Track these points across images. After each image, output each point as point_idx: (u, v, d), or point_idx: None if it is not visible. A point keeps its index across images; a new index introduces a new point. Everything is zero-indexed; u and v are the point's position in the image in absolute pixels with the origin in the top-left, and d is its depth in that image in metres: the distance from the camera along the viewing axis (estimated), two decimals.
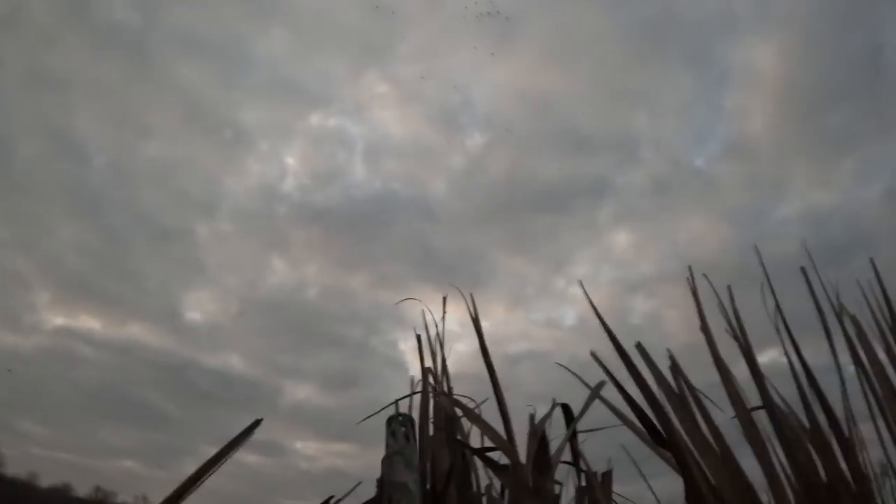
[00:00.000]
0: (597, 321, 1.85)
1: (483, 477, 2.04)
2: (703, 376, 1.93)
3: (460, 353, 2.27)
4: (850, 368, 1.98)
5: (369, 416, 2.05)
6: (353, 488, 1.85)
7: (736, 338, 1.95)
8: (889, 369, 1.97)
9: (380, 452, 1.86)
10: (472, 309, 2.19)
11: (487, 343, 2.16)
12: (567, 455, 2.03)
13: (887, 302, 2.08)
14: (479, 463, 2.05)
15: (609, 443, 2.18)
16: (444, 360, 2.12)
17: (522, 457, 1.91)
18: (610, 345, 1.82)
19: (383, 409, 2.05)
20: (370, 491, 1.90)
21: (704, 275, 1.99)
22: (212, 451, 1.76)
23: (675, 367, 1.82)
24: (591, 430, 2.10)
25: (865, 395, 1.97)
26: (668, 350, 1.84)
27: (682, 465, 1.63)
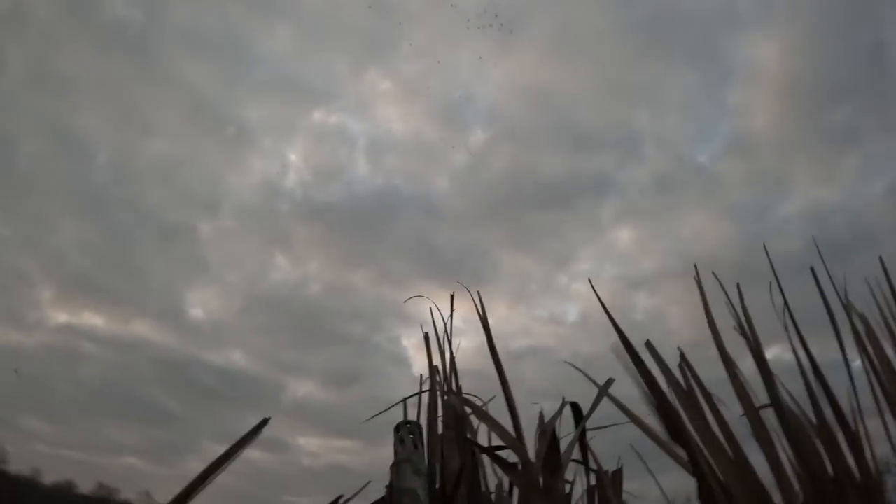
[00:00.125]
0: (599, 318, 1.85)
1: (491, 476, 2.04)
2: (706, 373, 1.93)
3: (463, 349, 2.27)
4: (854, 364, 1.99)
5: (377, 415, 2.05)
6: (363, 488, 1.85)
7: (745, 335, 1.94)
8: None
9: (383, 449, 1.87)
10: (479, 307, 2.19)
11: (486, 338, 2.16)
12: (575, 453, 2.03)
13: None
14: (485, 462, 2.05)
15: (613, 440, 2.18)
16: (452, 359, 2.12)
17: (532, 455, 1.91)
18: (614, 341, 1.82)
19: (391, 407, 2.05)
20: (378, 489, 1.90)
21: (713, 273, 1.98)
22: (215, 447, 1.77)
23: (685, 365, 1.82)
24: (600, 428, 2.10)
25: (873, 391, 1.97)
26: (679, 348, 1.84)
27: (695, 464, 1.62)
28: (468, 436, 1.99)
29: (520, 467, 1.90)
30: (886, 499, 1.77)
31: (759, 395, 1.89)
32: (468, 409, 2.02)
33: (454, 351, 2.14)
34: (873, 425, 1.91)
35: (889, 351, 2.06)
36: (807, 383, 1.90)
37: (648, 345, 1.82)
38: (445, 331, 2.18)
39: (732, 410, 1.87)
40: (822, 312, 2.01)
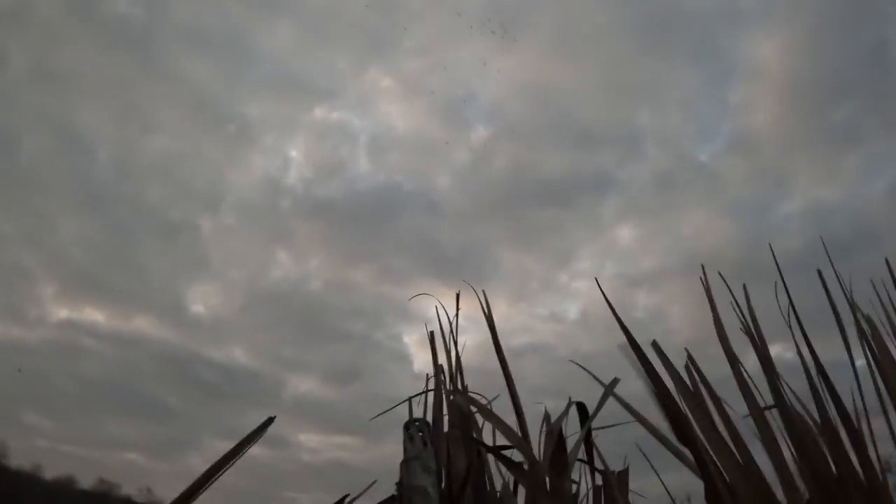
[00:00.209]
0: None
1: (496, 475, 2.04)
2: (707, 372, 1.93)
3: (465, 347, 2.26)
4: (857, 364, 1.99)
5: (383, 413, 2.05)
6: (369, 486, 1.86)
7: (750, 335, 1.94)
8: None
9: (383, 446, 1.87)
10: (485, 306, 2.19)
11: (488, 336, 2.16)
12: (581, 453, 2.03)
13: None
14: (490, 461, 2.05)
15: (616, 438, 2.18)
16: (458, 357, 2.12)
17: (538, 455, 1.91)
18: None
19: (397, 405, 2.05)
20: (382, 488, 1.90)
21: (720, 273, 1.98)
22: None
23: (692, 365, 1.82)
24: (605, 427, 2.11)
25: (878, 391, 1.97)
26: (687, 349, 1.84)
27: (701, 465, 1.62)
28: (474, 435, 1.99)
29: (526, 467, 1.90)
30: (891, 498, 1.77)
31: (760, 393, 1.90)
32: (474, 409, 2.02)
33: (459, 350, 2.14)
34: (877, 424, 1.91)
35: (893, 350, 2.06)
36: (811, 382, 1.90)
37: (655, 345, 1.82)
38: (451, 329, 2.18)
39: (736, 410, 1.87)
40: (823, 311, 2.01)
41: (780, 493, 1.74)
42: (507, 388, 2.11)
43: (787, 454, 1.80)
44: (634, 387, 2.11)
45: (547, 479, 1.84)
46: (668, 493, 1.98)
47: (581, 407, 2.11)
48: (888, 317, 2.13)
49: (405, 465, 1.84)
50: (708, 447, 1.69)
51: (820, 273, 1.95)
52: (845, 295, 2.05)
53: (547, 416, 2.06)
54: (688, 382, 1.81)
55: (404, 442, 1.89)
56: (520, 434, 1.96)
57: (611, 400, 2.09)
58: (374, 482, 1.87)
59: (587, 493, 2.02)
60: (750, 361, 1.99)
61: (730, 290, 2.04)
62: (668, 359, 1.81)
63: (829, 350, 1.99)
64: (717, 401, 1.78)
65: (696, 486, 1.89)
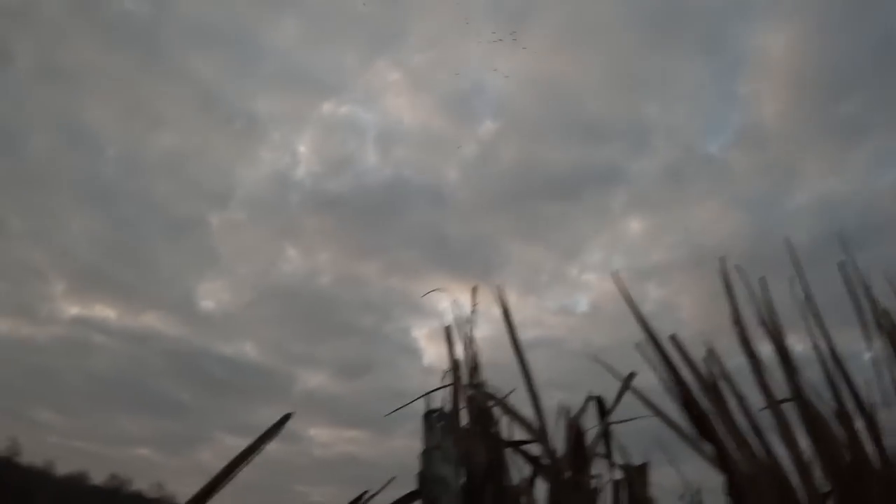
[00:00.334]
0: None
1: (514, 471, 2.03)
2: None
3: (477, 342, 2.26)
4: (870, 355, 1.99)
5: (400, 408, 2.06)
6: (389, 482, 1.86)
7: (767, 328, 1.94)
8: None
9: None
10: (501, 302, 2.19)
11: (501, 330, 2.16)
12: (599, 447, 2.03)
13: None
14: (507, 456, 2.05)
15: (630, 431, 2.18)
16: (475, 353, 2.12)
17: (558, 450, 1.92)
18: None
19: (414, 400, 2.05)
20: (400, 483, 1.90)
21: (738, 266, 1.97)
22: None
23: (712, 360, 1.82)
24: (623, 421, 2.10)
25: (894, 381, 1.97)
26: (706, 343, 1.84)
27: (722, 459, 1.62)
28: (494, 430, 1.99)
29: (547, 462, 1.90)
30: None
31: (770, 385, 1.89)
32: (493, 404, 2.02)
33: (475, 345, 2.13)
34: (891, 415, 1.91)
35: None
36: (827, 373, 1.90)
37: (673, 339, 1.81)
38: (466, 324, 2.17)
39: (751, 402, 1.87)
40: (832, 303, 2.01)
41: (797, 485, 1.74)
42: (520, 383, 2.11)
43: (804, 446, 1.80)
44: (645, 380, 2.12)
45: (568, 474, 1.85)
46: (687, 486, 1.98)
47: (599, 401, 2.11)
48: None
49: (425, 455, 1.84)
50: (728, 441, 1.69)
51: (842, 265, 1.94)
52: (862, 287, 2.04)
53: (564, 410, 2.06)
54: (707, 376, 1.80)
55: (424, 432, 1.89)
56: (540, 430, 1.96)
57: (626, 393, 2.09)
58: (393, 478, 1.87)
59: (607, 487, 2.01)
60: (761, 353, 1.99)
61: (748, 285, 2.03)
62: (687, 353, 1.80)
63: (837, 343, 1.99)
64: (738, 394, 1.78)
65: (706, 477, 1.90)
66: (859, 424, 1.83)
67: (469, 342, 2.12)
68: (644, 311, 1.94)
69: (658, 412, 1.88)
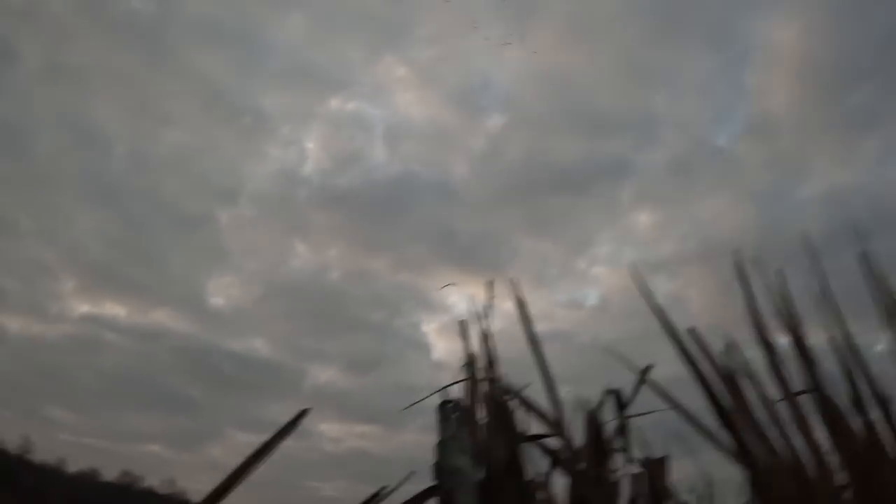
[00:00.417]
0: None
1: (530, 465, 2.03)
2: None
3: (487, 337, 2.25)
4: (882, 347, 1.98)
5: (416, 403, 2.05)
6: (407, 477, 1.86)
7: (785, 321, 1.93)
8: None
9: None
10: (516, 294, 2.18)
11: (512, 325, 2.16)
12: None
13: None
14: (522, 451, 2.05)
15: (644, 426, 2.17)
16: (492, 347, 2.11)
17: (577, 444, 1.92)
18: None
19: (430, 395, 2.05)
20: (419, 479, 1.90)
21: (757, 259, 1.96)
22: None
23: (731, 350, 1.81)
24: (641, 414, 2.10)
25: None
26: (727, 337, 1.83)
27: (745, 453, 1.62)
28: (513, 424, 1.99)
29: (566, 456, 1.90)
30: None
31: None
32: (511, 397, 2.02)
33: (492, 339, 2.13)
34: None
35: None
36: (843, 364, 1.89)
37: (692, 332, 1.81)
38: (483, 318, 2.17)
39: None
40: (842, 294, 1.99)
41: (816, 477, 1.73)
42: (533, 378, 2.11)
43: (821, 439, 1.79)
44: (658, 373, 2.11)
45: (588, 467, 1.85)
46: (706, 480, 1.98)
47: (616, 394, 2.10)
48: None
49: (440, 445, 1.84)
50: (749, 434, 1.68)
51: (863, 256, 1.92)
52: (877, 278, 2.03)
53: (582, 403, 2.06)
54: (727, 369, 1.80)
55: (438, 423, 1.89)
56: (559, 423, 1.96)
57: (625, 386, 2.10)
58: (412, 472, 1.87)
59: (627, 481, 2.01)
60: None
61: (761, 275, 2.02)
62: (706, 346, 1.80)
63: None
64: (758, 387, 1.77)
65: (721, 470, 1.90)
66: (876, 415, 1.82)
67: (486, 336, 2.12)
68: (655, 305, 1.93)
69: (676, 405, 1.88)
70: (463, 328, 2.13)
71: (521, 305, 2.14)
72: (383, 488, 1.85)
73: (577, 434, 1.98)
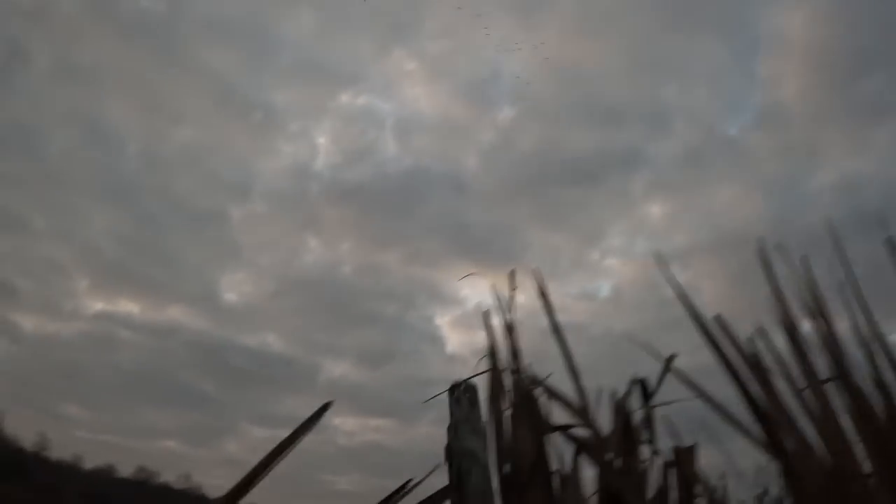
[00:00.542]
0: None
1: (554, 456, 2.02)
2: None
3: (502, 328, 2.25)
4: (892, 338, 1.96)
5: (437, 395, 2.04)
6: (433, 470, 1.85)
7: (811, 310, 1.90)
8: None
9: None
10: (539, 283, 2.18)
11: (529, 316, 2.15)
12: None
13: None
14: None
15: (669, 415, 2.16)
16: (516, 338, 2.10)
17: (604, 434, 1.91)
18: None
19: (450, 388, 2.04)
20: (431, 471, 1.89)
21: (781, 248, 1.93)
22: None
23: (760, 338, 1.79)
24: (667, 403, 2.08)
25: None
26: (759, 324, 1.81)
27: (777, 444, 1.60)
28: (539, 415, 1.98)
29: (595, 445, 1.89)
30: None
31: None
32: (537, 387, 2.01)
33: (515, 329, 2.12)
34: None
35: None
36: (868, 352, 1.88)
37: (719, 319, 1.79)
38: (505, 309, 2.16)
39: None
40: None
41: (841, 466, 1.72)
42: (553, 368, 2.10)
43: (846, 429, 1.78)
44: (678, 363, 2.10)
45: (616, 458, 1.84)
46: (733, 470, 1.97)
47: (642, 384, 2.09)
48: None
49: (452, 428, 1.83)
50: (778, 422, 1.67)
51: (888, 241, 1.89)
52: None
53: (609, 393, 2.05)
54: (755, 359, 1.78)
55: (450, 406, 1.88)
56: (586, 412, 1.95)
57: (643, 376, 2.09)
58: (438, 465, 1.86)
59: (656, 470, 2.00)
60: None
61: (784, 262, 1.99)
62: (734, 335, 1.78)
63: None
64: (787, 375, 1.76)
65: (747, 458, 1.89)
66: None
67: (508, 326, 2.11)
68: (667, 296, 1.91)
69: (702, 394, 1.86)
70: (485, 319, 2.12)
71: (544, 295, 2.13)
72: (410, 480, 1.84)
73: (604, 424, 1.97)
